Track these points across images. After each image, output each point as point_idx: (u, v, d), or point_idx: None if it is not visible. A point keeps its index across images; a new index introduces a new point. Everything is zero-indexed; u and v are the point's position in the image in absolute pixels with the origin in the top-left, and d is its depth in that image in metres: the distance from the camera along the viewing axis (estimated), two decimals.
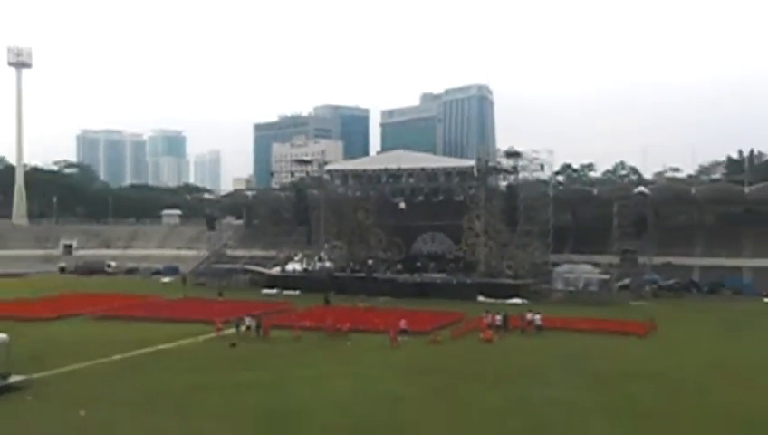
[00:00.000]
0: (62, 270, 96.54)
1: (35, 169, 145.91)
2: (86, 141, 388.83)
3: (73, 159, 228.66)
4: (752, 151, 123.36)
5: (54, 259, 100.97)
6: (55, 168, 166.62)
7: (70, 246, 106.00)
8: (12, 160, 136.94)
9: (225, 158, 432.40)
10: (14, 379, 30.16)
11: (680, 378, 33.27)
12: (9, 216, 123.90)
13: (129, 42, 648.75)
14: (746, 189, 79.55)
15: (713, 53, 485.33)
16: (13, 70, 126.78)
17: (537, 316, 46.29)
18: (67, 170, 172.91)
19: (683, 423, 25.64)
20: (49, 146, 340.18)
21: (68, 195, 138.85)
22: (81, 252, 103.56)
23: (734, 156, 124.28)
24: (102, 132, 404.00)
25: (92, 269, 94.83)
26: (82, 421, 24.07)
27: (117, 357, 36.82)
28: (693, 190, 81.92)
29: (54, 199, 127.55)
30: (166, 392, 29.85)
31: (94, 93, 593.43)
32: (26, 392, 29.16)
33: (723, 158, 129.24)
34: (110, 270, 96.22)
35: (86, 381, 31.93)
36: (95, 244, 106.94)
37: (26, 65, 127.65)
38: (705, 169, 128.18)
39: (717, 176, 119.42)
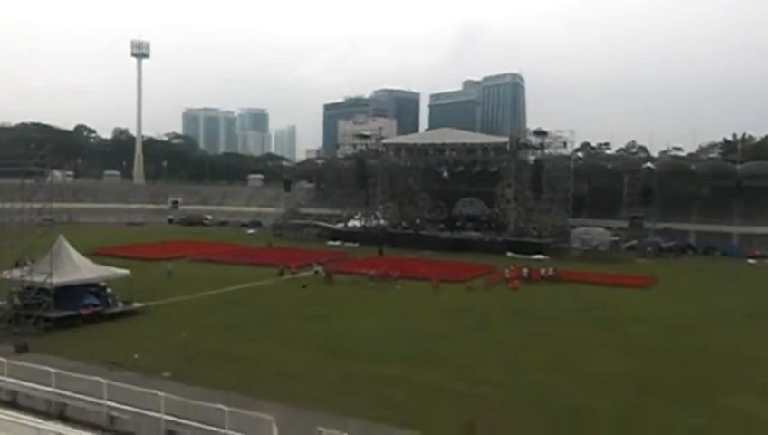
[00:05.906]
0: (170, 221, 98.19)
1: (151, 140, 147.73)
2: (189, 117, 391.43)
3: (180, 131, 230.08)
4: (744, 135, 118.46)
5: (164, 212, 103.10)
6: (166, 138, 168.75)
7: (176, 202, 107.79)
8: (133, 132, 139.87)
9: (300, 132, 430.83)
10: (135, 305, 31.52)
11: (672, 321, 33.00)
12: (131, 177, 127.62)
13: (224, 37, 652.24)
14: (738, 167, 76.82)
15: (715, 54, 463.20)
16: (134, 60, 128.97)
17: (550, 269, 47.50)
18: (175, 141, 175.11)
19: (670, 356, 25.80)
20: (161, 121, 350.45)
21: (175, 160, 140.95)
22: (185, 207, 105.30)
23: (729, 139, 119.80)
24: (202, 110, 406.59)
25: (193, 221, 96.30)
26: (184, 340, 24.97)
27: (212, 292, 37.81)
28: (693, 166, 79.27)
29: (164, 164, 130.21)
30: (250, 320, 30.70)
31: (197, 78, 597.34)
32: (144, 316, 30.36)
33: (719, 140, 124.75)
34: (206, 222, 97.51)
35: (188, 309, 33.00)
36: (195, 200, 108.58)
37: (145, 56, 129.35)
38: (703, 149, 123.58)
39: (714, 155, 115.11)
